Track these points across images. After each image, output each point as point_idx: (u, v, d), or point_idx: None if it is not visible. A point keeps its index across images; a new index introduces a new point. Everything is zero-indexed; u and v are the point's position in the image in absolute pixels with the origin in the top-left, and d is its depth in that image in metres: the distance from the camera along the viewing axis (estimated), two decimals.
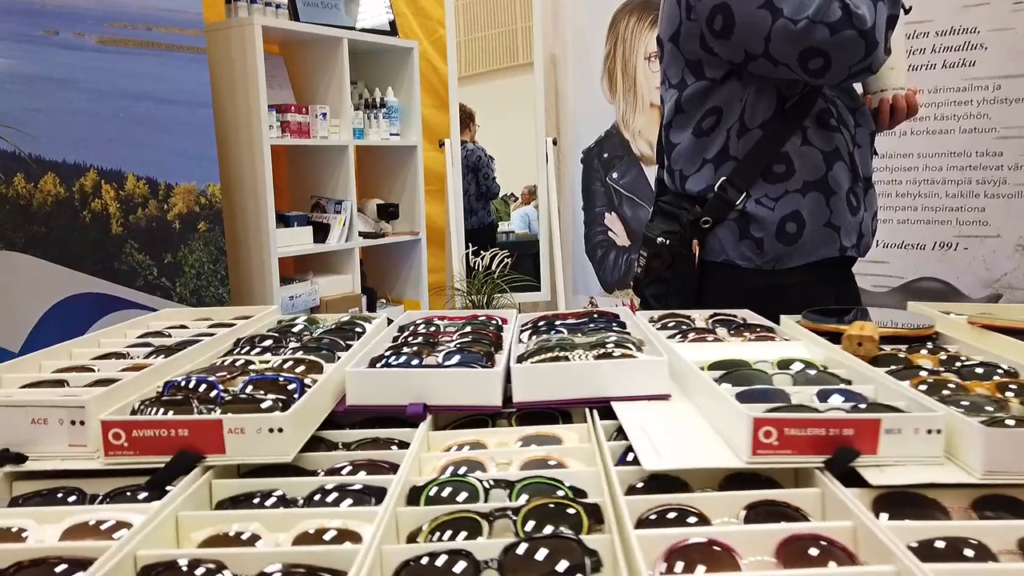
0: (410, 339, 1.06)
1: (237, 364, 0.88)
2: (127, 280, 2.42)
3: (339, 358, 0.97)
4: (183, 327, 1.18)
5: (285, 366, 0.90)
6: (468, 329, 1.14)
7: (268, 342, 1.02)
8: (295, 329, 1.12)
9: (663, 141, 1.46)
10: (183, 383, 0.80)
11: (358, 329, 1.13)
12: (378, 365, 0.91)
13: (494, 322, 1.18)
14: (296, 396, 0.79)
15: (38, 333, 2.25)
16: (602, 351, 0.90)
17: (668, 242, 1.37)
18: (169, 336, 1.10)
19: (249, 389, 0.80)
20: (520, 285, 3.86)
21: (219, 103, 2.64)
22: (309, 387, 0.82)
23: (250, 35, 2.65)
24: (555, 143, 3.73)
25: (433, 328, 1.16)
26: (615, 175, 3.67)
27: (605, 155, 3.70)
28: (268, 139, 2.69)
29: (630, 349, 0.91)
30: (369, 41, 3.10)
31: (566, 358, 0.88)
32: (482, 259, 3.63)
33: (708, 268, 1.36)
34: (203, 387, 0.79)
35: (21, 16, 2.23)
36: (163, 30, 2.48)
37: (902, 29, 1.35)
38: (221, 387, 0.79)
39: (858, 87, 1.45)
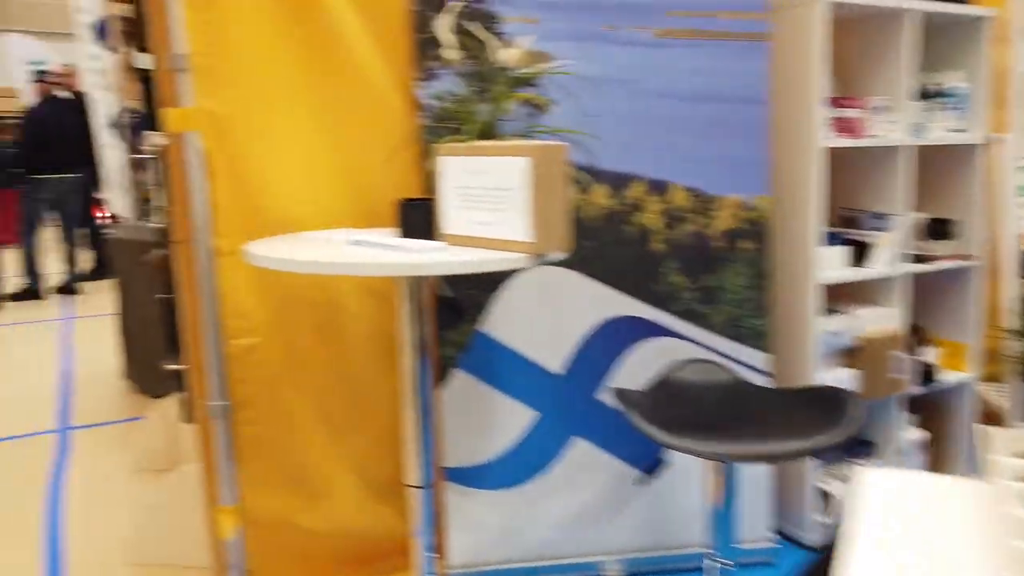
0: None
1: None
2: (663, 304, 2.15)
3: None
4: None
5: None
6: None
7: None
8: None
9: None
10: None
11: None
12: None
13: None
14: None
15: (580, 356, 2.10)
16: None
17: None
18: None
19: None
20: None
21: (771, 99, 2.23)
22: None
23: (811, 15, 2.18)
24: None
25: None
26: None
27: None
28: (822, 141, 2.21)
29: None
30: (930, 11, 2.41)
31: None
32: None
33: None
34: None
35: (586, 12, 2.05)
36: (726, 16, 2.13)
37: None
38: None
39: None
